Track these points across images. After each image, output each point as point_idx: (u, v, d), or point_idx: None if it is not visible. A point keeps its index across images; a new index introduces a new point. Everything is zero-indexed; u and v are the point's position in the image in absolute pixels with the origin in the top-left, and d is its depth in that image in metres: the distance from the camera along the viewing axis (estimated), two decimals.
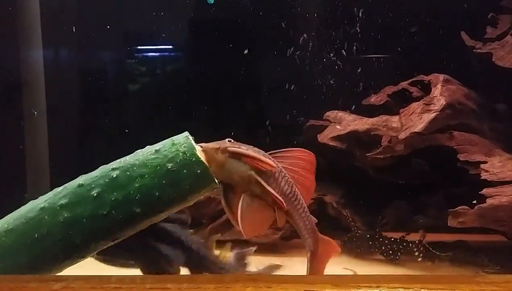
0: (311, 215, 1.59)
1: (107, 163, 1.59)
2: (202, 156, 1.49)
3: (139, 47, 3.14)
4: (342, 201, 2.61)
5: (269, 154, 1.53)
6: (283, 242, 2.60)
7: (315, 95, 2.93)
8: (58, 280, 1.21)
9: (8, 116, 2.83)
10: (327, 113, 2.71)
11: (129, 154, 1.58)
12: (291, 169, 1.56)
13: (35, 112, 2.64)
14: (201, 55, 3.11)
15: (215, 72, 3.04)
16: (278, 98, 3.04)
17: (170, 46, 3.18)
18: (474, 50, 2.49)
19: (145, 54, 3.17)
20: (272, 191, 1.47)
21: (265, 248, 2.60)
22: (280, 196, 1.49)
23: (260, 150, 1.52)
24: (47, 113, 2.82)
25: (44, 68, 2.84)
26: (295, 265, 2.45)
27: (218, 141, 1.52)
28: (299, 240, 2.53)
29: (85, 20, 3.03)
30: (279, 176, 1.51)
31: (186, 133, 1.54)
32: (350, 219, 2.55)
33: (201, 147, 1.51)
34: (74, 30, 2.94)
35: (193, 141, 1.51)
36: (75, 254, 1.52)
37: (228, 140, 1.51)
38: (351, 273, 2.24)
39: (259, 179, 1.47)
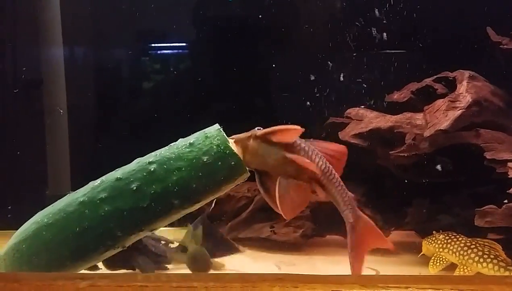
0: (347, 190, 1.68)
1: (128, 160, 1.73)
2: (234, 148, 1.61)
3: (155, 44, 3.24)
4: (363, 199, 2.63)
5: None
6: (304, 240, 2.67)
7: (335, 92, 3.02)
8: (85, 278, 1.26)
9: (29, 113, 2.98)
10: (348, 111, 2.77)
11: (148, 150, 1.72)
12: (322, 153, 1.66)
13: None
14: (221, 52, 3.21)
15: (236, 69, 3.14)
16: (297, 95, 3.11)
17: (188, 43, 3.30)
18: (501, 46, 2.52)
19: (161, 51, 3.27)
20: (305, 160, 1.58)
21: (286, 247, 2.69)
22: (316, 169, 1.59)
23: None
24: (67, 110, 2.96)
25: (65, 66, 2.98)
26: (316, 264, 2.51)
27: (249, 131, 1.65)
28: (320, 238, 2.72)
29: (103, 18, 3.14)
30: (309, 150, 1.62)
31: (217, 125, 1.67)
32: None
33: (233, 138, 1.64)
34: (93, 27, 3.11)
35: (224, 133, 1.64)
36: (116, 245, 1.66)
37: (258, 129, 1.63)
38: (373, 273, 2.26)
39: (290, 155, 1.58)
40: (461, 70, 2.47)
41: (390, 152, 2.42)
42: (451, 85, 2.45)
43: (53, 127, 2.93)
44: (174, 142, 1.70)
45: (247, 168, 1.66)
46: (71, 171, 2.99)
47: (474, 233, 2.32)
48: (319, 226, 2.73)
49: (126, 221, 1.61)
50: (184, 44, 3.27)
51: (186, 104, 3.15)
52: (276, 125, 1.61)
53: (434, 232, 2.31)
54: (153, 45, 3.22)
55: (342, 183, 1.68)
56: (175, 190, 1.60)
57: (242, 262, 2.52)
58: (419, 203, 2.57)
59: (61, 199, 1.73)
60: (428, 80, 2.59)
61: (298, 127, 1.56)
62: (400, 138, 2.41)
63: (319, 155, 1.64)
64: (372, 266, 2.27)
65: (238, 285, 1.21)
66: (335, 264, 2.34)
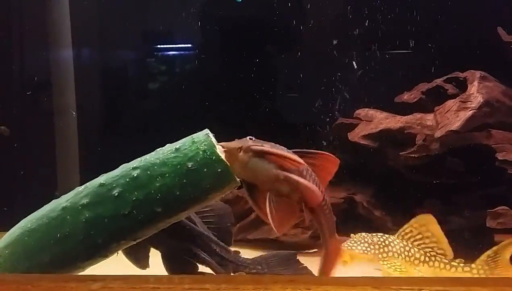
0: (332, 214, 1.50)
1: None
2: (223, 155, 1.42)
3: (160, 46, 3.07)
4: (372, 201, 2.49)
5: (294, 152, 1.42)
6: (314, 241, 2.48)
7: (344, 93, 2.82)
8: (97, 279, 1.18)
9: (39, 115, 2.80)
10: (358, 111, 2.58)
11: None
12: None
13: (73, 113, 2.55)
14: (226, 54, 3.02)
15: (242, 71, 2.94)
16: (305, 96, 2.94)
17: (193, 45, 3.10)
18: None
19: (166, 52, 3.10)
20: (305, 181, 1.38)
21: (295, 247, 2.40)
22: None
23: (283, 147, 1.42)
24: (76, 111, 2.78)
25: (74, 67, 2.81)
26: None
27: (240, 140, 1.43)
28: None
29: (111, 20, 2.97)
30: (306, 174, 1.42)
31: (206, 131, 1.48)
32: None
33: (222, 146, 1.43)
34: (102, 30, 2.94)
35: (213, 139, 1.45)
36: (97, 253, 1.48)
37: (250, 138, 1.43)
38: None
39: (289, 174, 1.37)
40: (471, 71, 2.34)
41: (400, 153, 2.31)
42: (462, 85, 2.33)
43: (62, 128, 2.74)
44: (161, 147, 1.50)
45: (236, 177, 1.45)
46: (80, 172, 2.80)
47: (485, 235, 2.19)
48: None
49: (107, 228, 1.43)
50: (189, 45, 3.08)
51: (196, 105, 2.97)
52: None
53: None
54: (160, 46, 3.05)
55: (331, 210, 1.48)
56: (158, 197, 1.41)
57: None
58: (429, 204, 2.39)
59: (47, 204, 1.56)
60: (438, 81, 2.41)
61: (302, 162, 1.38)
62: (411, 139, 2.29)
63: (310, 174, 1.44)
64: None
65: (250, 287, 1.12)
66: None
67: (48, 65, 2.79)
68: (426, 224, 1.83)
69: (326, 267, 1.49)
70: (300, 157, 1.40)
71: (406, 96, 2.48)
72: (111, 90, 3.05)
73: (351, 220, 2.43)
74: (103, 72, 3.07)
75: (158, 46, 3.03)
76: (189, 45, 3.05)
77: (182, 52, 3.06)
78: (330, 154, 1.48)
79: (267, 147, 1.39)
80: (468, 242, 2.11)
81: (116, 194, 1.43)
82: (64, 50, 2.76)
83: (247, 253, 2.27)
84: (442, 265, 1.75)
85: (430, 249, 1.78)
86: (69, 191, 1.52)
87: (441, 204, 2.39)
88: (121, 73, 3.06)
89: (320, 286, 1.12)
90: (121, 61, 3.06)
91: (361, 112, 2.55)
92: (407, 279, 1.62)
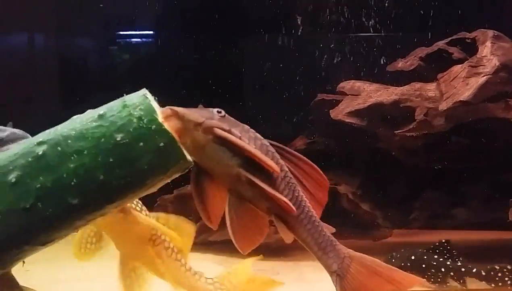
0: (324, 226, 1.14)
1: None
2: (168, 122, 1.08)
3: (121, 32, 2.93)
4: (359, 192, 2.30)
5: (275, 147, 1.13)
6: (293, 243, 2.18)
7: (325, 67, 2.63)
8: None
9: None
10: (341, 84, 2.35)
11: None
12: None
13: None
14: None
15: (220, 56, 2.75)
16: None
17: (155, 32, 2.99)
18: None
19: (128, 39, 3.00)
20: (272, 191, 1.07)
21: (266, 251, 2.18)
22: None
23: (259, 136, 1.11)
24: None
25: None
26: (304, 272, 2.13)
27: (202, 110, 1.10)
28: None
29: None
30: (282, 182, 1.11)
31: (144, 90, 1.11)
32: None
33: (173, 110, 1.08)
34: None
35: (153, 102, 1.10)
36: None
37: (218, 112, 1.10)
38: None
39: (252, 177, 1.07)
40: (482, 29, 2.12)
41: (395, 132, 2.08)
42: (470, 48, 2.11)
43: None
44: (80, 115, 1.13)
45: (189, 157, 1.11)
46: None
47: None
48: None
49: (2, 227, 1.08)
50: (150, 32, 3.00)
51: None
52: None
53: None
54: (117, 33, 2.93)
55: (315, 218, 1.13)
56: (73, 183, 1.04)
57: (213, 271, 2.08)
58: (429, 194, 2.22)
59: None
60: (440, 43, 2.20)
61: (276, 168, 1.07)
62: (408, 115, 2.08)
63: (287, 179, 1.12)
64: None
65: None
66: (326, 272, 1.83)
67: None
68: None
69: None
70: (279, 153, 1.13)
71: (401, 64, 2.29)
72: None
73: (333, 217, 2.12)
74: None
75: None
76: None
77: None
78: (316, 168, 1.16)
79: (236, 133, 1.08)
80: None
81: (14, 180, 1.07)
82: None
83: (209, 259, 2.24)
84: None
85: None
86: None
87: (444, 194, 2.24)
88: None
89: None
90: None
91: (346, 84, 2.32)
92: None
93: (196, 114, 1.08)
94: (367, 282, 1.11)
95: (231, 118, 1.11)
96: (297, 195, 1.13)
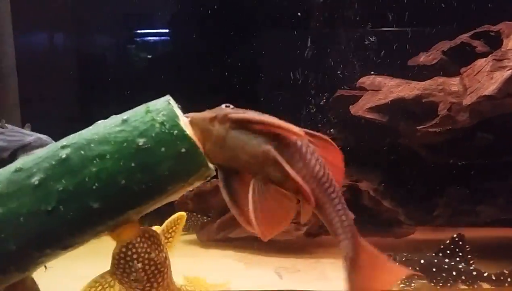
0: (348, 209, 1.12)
1: None
2: (189, 129, 1.07)
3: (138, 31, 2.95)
4: (381, 189, 2.25)
5: None
6: (309, 239, 2.31)
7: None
8: None
9: None
10: (362, 80, 2.31)
11: None
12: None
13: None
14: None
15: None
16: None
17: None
18: None
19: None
20: (295, 175, 1.02)
21: (287, 248, 2.28)
22: (310, 180, 1.04)
23: (274, 117, 1.06)
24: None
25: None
26: (326, 269, 2.09)
27: (212, 109, 1.08)
28: (328, 237, 2.27)
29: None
30: (307, 152, 1.06)
31: (167, 97, 1.11)
32: None
33: (188, 117, 1.09)
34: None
35: (176, 108, 1.09)
36: (11, 266, 1.12)
37: (226, 106, 1.08)
38: None
39: (278, 157, 1.03)
40: (506, 22, 2.07)
41: (417, 128, 2.03)
42: (494, 41, 2.06)
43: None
44: (103, 120, 1.13)
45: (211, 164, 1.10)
46: None
47: None
48: None
49: (24, 230, 1.08)
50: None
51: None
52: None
53: None
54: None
55: (343, 200, 1.09)
56: (94, 187, 1.03)
57: (233, 268, 2.11)
58: (452, 191, 2.16)
59: None
60: (463, 37, 2.17)
61: (301, 133, 1.03)
62: (430, 110, 2.02)
63: (315, 155, 1.07)
64: None
65: None
66: None
67: None
68: None
69: (356, 284, 1.11)
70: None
71: (423, 58, 2.25)
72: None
73: (354, 214, 2.09)
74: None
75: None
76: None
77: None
78: (334, 144, 1.11)
79: (252, 113, 1.05)
80: None
81: (36, 183, 1.07)
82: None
83: (229, 256, 2.22)
84: None
85: None
86: None
87: (469, 191, 2.18)
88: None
89: None
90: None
91: (366, 80, 2.28)
92: None
93: (208, 112, 1.07)
94: (375, 272, 1.10)
95: (239, 108, 1.07)
96: (327, 171, 1.09)
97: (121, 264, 1.09)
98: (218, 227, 2.30)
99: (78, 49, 2.95)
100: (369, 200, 2.23)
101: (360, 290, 1.10)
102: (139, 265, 1.08)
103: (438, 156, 2.14)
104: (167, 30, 2.98)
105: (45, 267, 1.22)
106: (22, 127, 2.01)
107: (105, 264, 1.15)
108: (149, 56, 2.97)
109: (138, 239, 1.09)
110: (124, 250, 1.08)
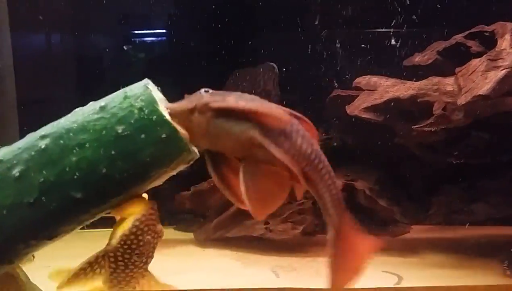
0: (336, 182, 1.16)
1: None
2: (169, 116, 1.09)
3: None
4: (377, 188, 2.24)
5: None
6: (306, 238, 2.28)
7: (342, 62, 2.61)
8: None
9: None
10: (357, 80, 2.31)
11: None
12: None
13: None
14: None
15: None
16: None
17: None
18: None
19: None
20: (284, 157, 1.04)
21: (284, 247, 2.27)
22: (299, 158, 1.06)
23: (256, 97, 1.07)
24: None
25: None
26: (322, 268, 2.08)
27: (190, 97, 1.08)
28: (324, 236, 2.18)
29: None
30: (292, 131, 1.07)
31: (146, 80, 1.13)
32: None
33: (167, 108, 1.10)
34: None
35: (155, 92, 1.11)
36: None
37: (205, 91, 1.07)
38: (394, 277, 1.93)
39: (264, 141, 1.03)
40: (501, 22, 2.07)
41: (412, 127, 2.03)
42: (489, 41, 2.06)
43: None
44: (81, 107, 1.15)
45: (194, 148, 1.13)
46: None
47: None
48: (323, 221, 2.15)
49: (7, 222, 1.09)
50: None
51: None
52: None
53: None
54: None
55: (332, 173, 1.13)
56: (76, 176, 1.05)
57: (230, 267, 2.10)
58: (448, 190, 2.17)
59: None
60: (458, 37, 2.17)
61: (284, 117, 1.04)
62: (426, 110, 2.02)
63: (301, 132, 1.09)
64: (392, 269, 1.98)
65: None
66: None
67: None
68: None
69: (339, 256, 1.15)
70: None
71: (418, 58, 2.25)
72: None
73: (350, 213, 2.10)
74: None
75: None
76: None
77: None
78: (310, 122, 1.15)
79: (232, 100, 1.05)
80: None
81: (17, 174, 1.08)
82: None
83: (226, 255, 2.22)
84: None
85: None
86: None
87: (464, 190, 2.17)
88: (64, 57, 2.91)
89: None
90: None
91: (362, 80, 2.28)
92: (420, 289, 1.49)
93: (186, 102, 1.06)
94: (356, 246, 1.14)
95: (220, 91, 1.07)
96: (315, 147, 1.11)
97: (130, 239, 1.09)
98: (215, 226, 2.29)
99: (78, 50, 2.93)
100: (365, 199, 2.22)
101: (340, 261, 1.14)
102: (149, 237, 1.10)
103: (433, 155, 2.13)
104: (165, 31, 2.96)
105: (33, 256, 1.22)
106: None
107: None
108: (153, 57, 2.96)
109: (149, 211, 1.11)
110: (137, 223, 1.09)
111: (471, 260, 2.05)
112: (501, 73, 1.83)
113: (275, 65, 2.52)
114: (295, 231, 2.22)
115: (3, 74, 2.43)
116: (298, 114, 1.11)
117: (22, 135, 1.18)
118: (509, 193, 2.06)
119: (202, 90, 1.06)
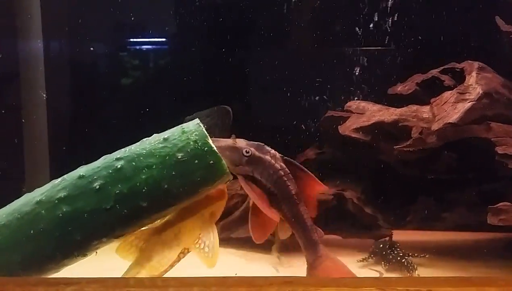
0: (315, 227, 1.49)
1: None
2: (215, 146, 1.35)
3: (133, 40, 2.89)
4: (363, 197, 2.35)
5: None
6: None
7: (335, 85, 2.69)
8: (70, 283, 1.07)
9: (6, 109, 2.56)
10: (349, 104, 2.45)
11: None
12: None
13: (44, 94, 2.38)
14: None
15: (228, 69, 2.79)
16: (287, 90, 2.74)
17: (167, 39, 2.94)
18: (511, 36, 2.21)
19: (140, 46, 2.92)
20: (249, 189, 1.41)
21: (284, 246, 2.31)
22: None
23: (276, 166, 1.41)
24: (46, 104, 2.60)
25: (44, 62, 2.63)
26: None
27: (233, 151, 1.41)
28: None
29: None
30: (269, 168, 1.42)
31: (197, 120, 1.39)
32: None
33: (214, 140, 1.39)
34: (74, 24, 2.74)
35: (204, 130, 1.35)
36: (75, 252, 1.35)
37: (246, 151, 1.41)
38: (376, 274, 2.06)
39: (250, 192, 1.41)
40: (469, 61, 2.22)
41: (394, 147, 2.16)
42: (459, 76, 2.20)
43: (31, 122, 2.56)
44: (147, 138, 1.40)
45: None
46: (50, 169, 2.63)
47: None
48: (317, 224, 2.32)
49: (87, 224, 1.31)
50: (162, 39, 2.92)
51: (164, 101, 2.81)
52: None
53: None
54: (133, 40, 2.87)
55: (311, 221, 1.46)
56: (144, 190, 1.30)
57: (235, 263, 2.22)
58: (423, 200, 2.31)
59: (19, 199, 1.42)
60: (434, 72, 2.29)
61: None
62: (405, 133, 2.15)
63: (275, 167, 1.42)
64: (374, 267, 2.12)
65: (243, 290, 1.05)
66: None
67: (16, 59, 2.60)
68: None
69: None
70: (287, 165, 1.40)
71: (400, 88, 2.36)
72: (83, 84, 2.89)
73: (340, 218, 2.34)
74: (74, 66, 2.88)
75: (132, 39, 2.88)
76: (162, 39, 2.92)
77: (158, 46, 2.92)
78: (318, 180, 1.46)
79: (257, 176, 1.41)
80: None
81: (98, 187, 1.31)
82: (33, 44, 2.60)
83: (231, 253, 2.31)
84: None
85: None
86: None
87: (437, 200, 2.31)
88: (94, 67, 2.91)
89: (320, 287, 1.03)
90: (94, 55, 2.87)
91: (352, 104, 2.42)
92: (415, 279, 1.54)
93: (228, 157, 1.37)
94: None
95: (257, 154, 1.37)
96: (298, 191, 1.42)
97: None
98: (222, 227, 2.36)
99: (78, 57, 2.87)
100: (353, 206, 2.34)
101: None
102: None
103: (411, 170, 2.26)
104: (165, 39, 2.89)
105: (96, 252, 1.41)
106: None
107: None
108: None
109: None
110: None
111: (441, 259, 2.17)
112: (468, 105, 1.99)
113: (229, 108, 2.45)
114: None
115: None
116: (311, 175, 1.42)
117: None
118: (473, 204, 2.19)
119: (244, 150, 1.37)
